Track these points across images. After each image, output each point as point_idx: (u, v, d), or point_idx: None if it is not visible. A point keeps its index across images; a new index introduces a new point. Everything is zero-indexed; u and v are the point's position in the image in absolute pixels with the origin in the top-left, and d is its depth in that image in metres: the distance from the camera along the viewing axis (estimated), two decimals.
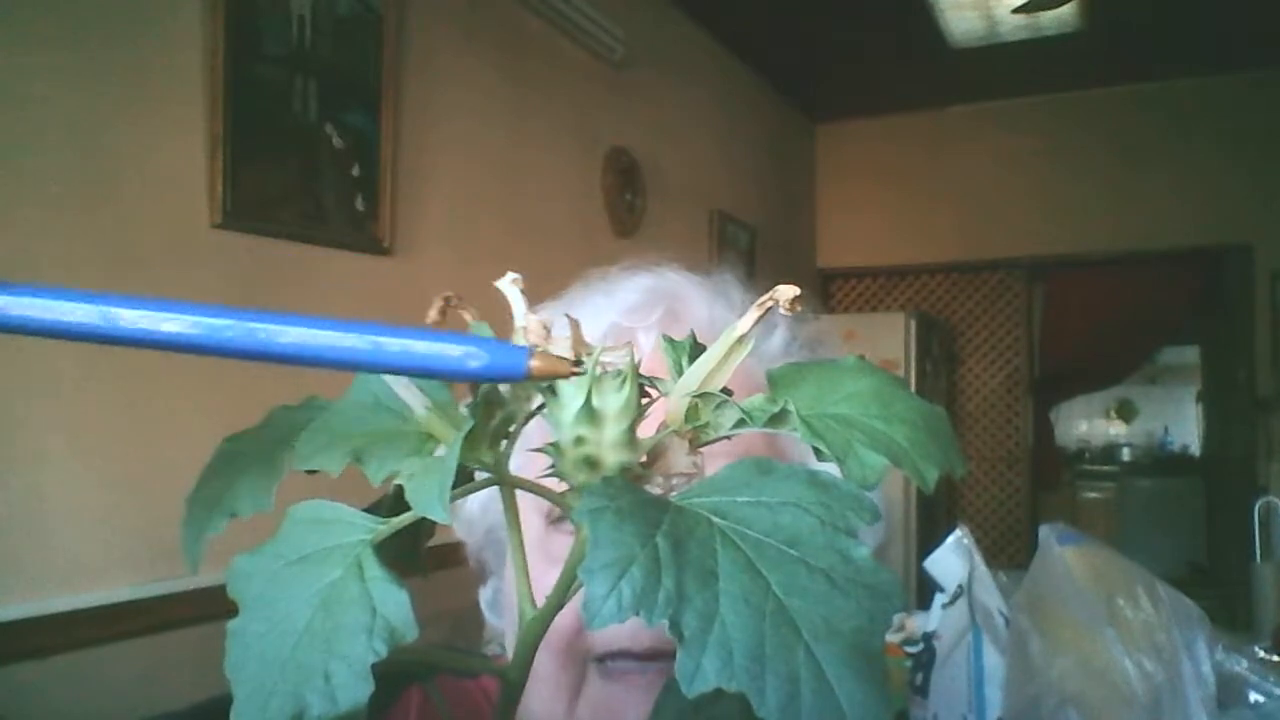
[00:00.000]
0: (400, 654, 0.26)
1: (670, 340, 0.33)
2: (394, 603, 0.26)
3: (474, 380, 0.27)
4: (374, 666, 0.25)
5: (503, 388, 0.30)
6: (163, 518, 1.52)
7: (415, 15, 2.19)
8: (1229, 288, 4.39)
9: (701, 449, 0.31)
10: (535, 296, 0.31)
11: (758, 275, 3.79)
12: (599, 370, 0.28)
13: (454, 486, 0.27)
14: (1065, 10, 3.39)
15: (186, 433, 1.59)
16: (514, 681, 0.31)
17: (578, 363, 0.28)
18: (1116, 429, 7.55)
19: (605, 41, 2.90)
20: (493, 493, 0.62)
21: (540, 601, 0.30)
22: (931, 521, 4.04)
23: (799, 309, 0.30)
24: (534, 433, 0.31)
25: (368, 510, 0.30)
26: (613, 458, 0.28)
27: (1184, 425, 7.08)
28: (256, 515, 0.30)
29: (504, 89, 2.53)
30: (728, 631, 0.23)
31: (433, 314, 0.31)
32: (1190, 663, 0.61)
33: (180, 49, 1.65)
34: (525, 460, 0.33)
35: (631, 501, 0.25)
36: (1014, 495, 4.80)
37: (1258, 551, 2.16)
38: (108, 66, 1.53)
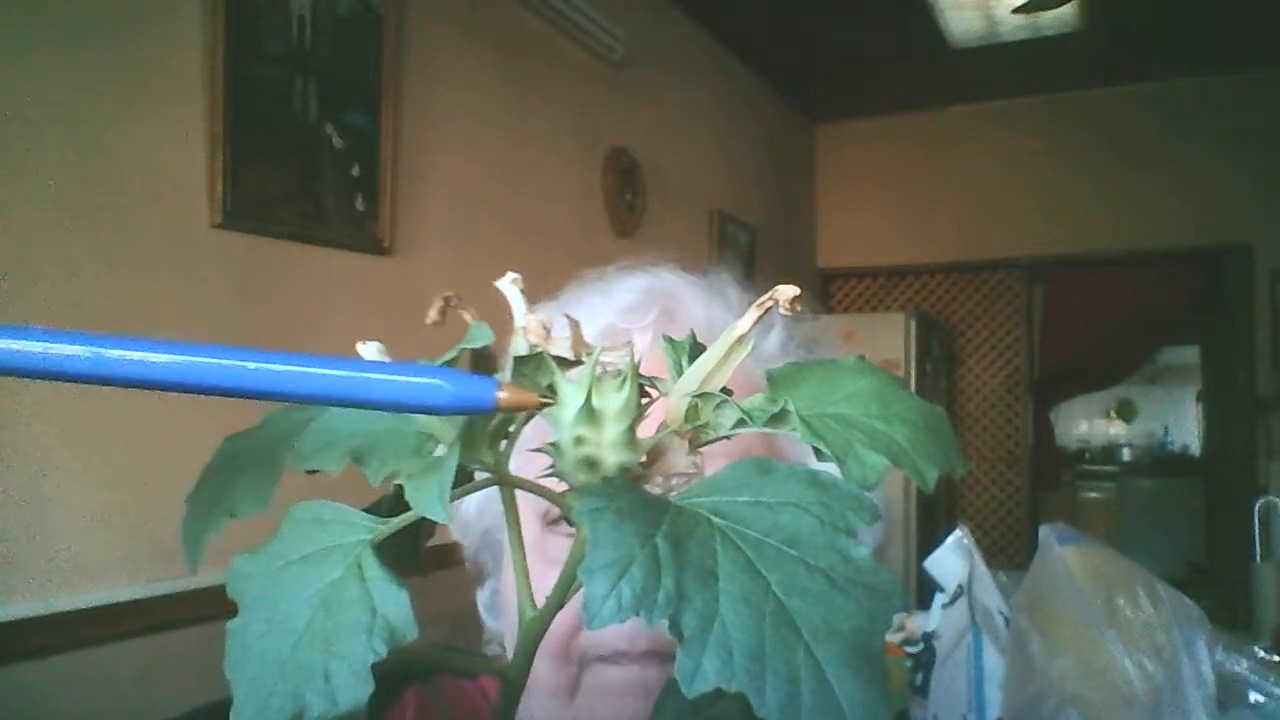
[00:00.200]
0: (400, 654, 0.26)
1: (670, 340, 0.33)
2: (394, 603, 0.26)
3: (442, 414, 0.27)
4: (374, 666, 0.25)
5: None
6: (162, 518, 1.53)
7: (415, 15, 2.19)
8: (1229, 288, 4.39)
9: (701, 449, 0.31)
10: (535, 296, 0.31)
11: (758, 275, 3.78)
12: (599, 370, 0.28)
13: (454, 486, 0.27)
14: (1065, 10, 3.39)
15: (186, 433, 1.59)
16: (514, 682, 0.31)
17: (548, 392, 0.28)
18: (1116, 429, 7.55)
19: (605, 41, 2.90)
20: (489, 494, 0.62)
21: (540, 602, 0.30)
22: (931, 521, 4.04)
23: (799, 309, 0.30)
24: (534, 433, 0.31)
25: (368, 510, 0.30)
26: (613, 458, 0.28)
27: (1184, 425, 7.09)
28: (256, 515, 0.30)
29: (504, 89, 2.53)
30: (728, 631, 0.23)
31: (432, 314, 0.31)
32: (1190, 663, 0.61)
33: (180, 49, 1.65)
34: (525, 460, 0.33)
35: (631, 501, 0.25)
36: (1014, 495, 4.80)
37: (1258, 551, 2.16)
38: (108, 66, 1.53)
